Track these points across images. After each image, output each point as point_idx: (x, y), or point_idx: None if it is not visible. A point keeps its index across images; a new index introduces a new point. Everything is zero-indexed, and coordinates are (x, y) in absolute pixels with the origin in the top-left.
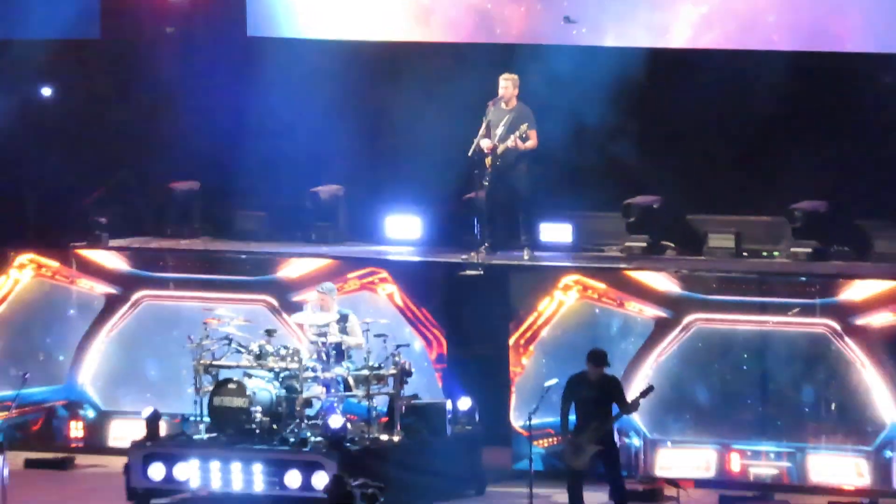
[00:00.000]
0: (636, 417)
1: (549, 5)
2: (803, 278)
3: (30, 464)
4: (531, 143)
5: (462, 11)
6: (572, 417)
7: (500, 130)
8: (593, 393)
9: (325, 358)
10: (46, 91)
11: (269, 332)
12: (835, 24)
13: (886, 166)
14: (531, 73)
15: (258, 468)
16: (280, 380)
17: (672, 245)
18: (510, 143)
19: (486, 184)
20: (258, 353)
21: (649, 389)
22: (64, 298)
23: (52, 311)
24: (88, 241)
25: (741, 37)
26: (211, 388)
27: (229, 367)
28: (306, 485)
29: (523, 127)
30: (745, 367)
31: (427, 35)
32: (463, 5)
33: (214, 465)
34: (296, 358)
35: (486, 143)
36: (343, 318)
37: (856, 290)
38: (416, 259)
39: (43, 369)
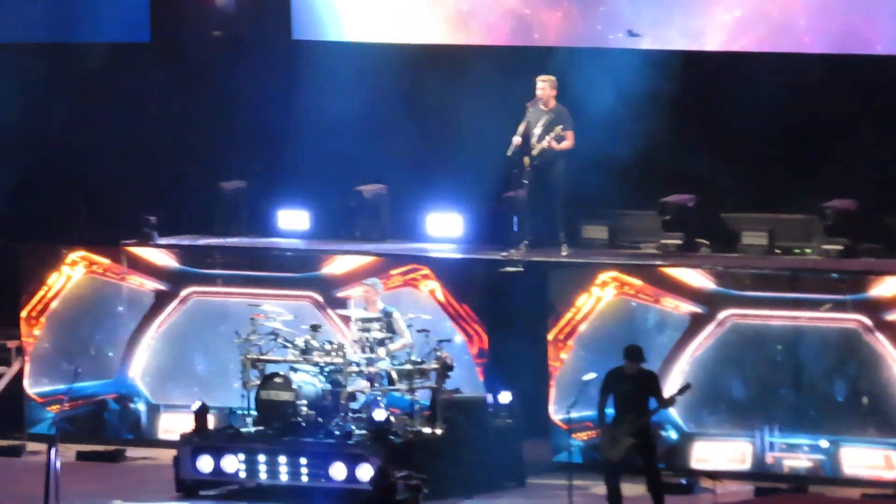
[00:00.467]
0: (673, 411)
1: (585, 10)
2: (835, 275)
3: (81, 456)
4: (567, 143)
5: (500, 16)
6: (610, 411)
7: (538, 130)
8: (631, 387)
9: (369, 353)
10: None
11: (315, 328)
12: (865, 27)
13: None
14: (569, 74)
15: (304, 461)
16: (325, 374)
17: (707, 242)
18: (545, 143)
19: (525, 182)
20: (304, 347)
21: (687, 387)
22: (114, 295)
23: (102, 308)
24: (138, 238)
25: (774, 40)
26: (258, 382)
27: (276, 362)
28: (351, 477)
29: (558, 128)
30: (778, 362)
31: (466, 39)
32: (501, 10)
33: (261, 458)
34: (340, 353)
35: (516, 140)
36: (387, 315)
37: (886, 286)
38: (458, 256)
39: (94, 364)
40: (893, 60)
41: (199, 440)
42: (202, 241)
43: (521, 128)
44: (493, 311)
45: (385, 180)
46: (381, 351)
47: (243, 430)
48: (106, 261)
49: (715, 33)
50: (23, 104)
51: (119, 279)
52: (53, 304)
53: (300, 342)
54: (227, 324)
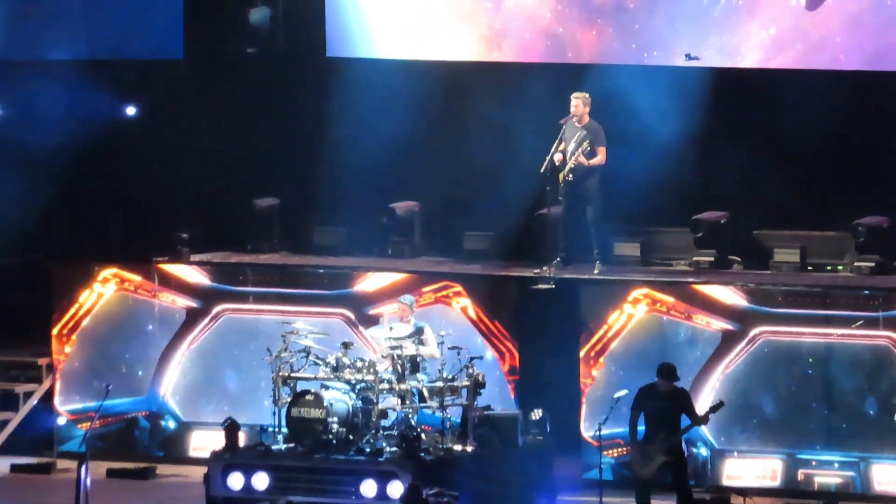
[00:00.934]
0: (704, 428)
1: (619, 28)
2: (867, 291)
3: (111, 473)
4: (598, 159)
5: (534, 35)
6: (641, 428)
7: (571, 147)
8: (663, 404)
9: (400, 370)
10: (131, 110)
11: (346, 345)
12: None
13: None
14: (602, 92)
15: (334, 478)
16: (356, 391)
17: (739, 259)
18: (573, 160)
19: (560, 199)
20: (335, 365)
21: (719, 405)
22: (146, 312)
23: (134, 325)
24: (170, 256)
25: (808, 57)
26: (289, 399)
27: (307, 379)
28: (382, 494)
29: (585, 144)
30: (810, 379)
31: (500, 57)
32: (535, 29)
33: (292, 476)
34: (371, 370)
35: (558, 158)
36: (419, 331)
37: None
38: (490, 273)
39: (125, 381)
40: None
41: (229, 457)
42: (234, 259)
43: (557, 144)
44: (525, 327)
45: (418, 197)
46: (412, 357)
47: (274, 447)
48: (138, 278)
49: (751, 51)
50: (59, 121)
51: (151, 296)
52: (85, 322)
53: (331, 359)
54: (259, 341)
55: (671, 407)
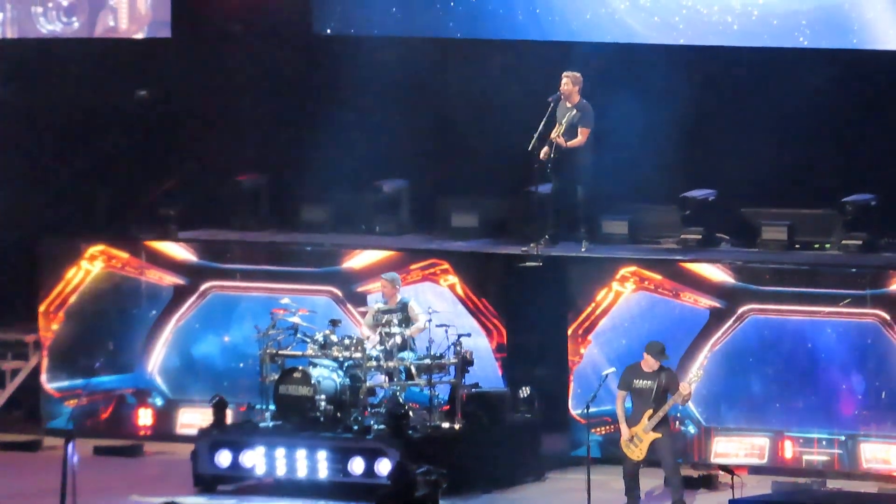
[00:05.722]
0: (691, 405)
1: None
2: (854, 269)
3: (99, 451)
4: (577, 140)
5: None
6: (628, 405)
7: (563, 126)
8: (649, 382)
9: (387, 347)
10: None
11: (334, 323)
12: (882, 23)
13: None
14: (591, 70)
15: (322, 455)
16: (344, 369)
17: (726, 237)
18: (554, 138)
19: (547, 177)
20: (323, 342)
21: (699, 375)
22: (133, 289)
23: (121, 302)
24: (157, 233)
25: (787, 27)
26: (277, 377)
27: (295, 357)
28: (370, 471)
29: (560, 128)
30: (797, 357)
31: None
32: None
33: (280, 453)
34: (359, 347)
35: (551, 137)
36: (403, 306)
37: None
38: (477, 251)
39: (112, 358)
40: None
41: (217, 435)
42: (221, 236)
43: (543, 123)
44: (513, 305)
45: (406, 174)
46: (399, 340)
47: (262, 424)
48: (125, 255)
49: (737, 29)
50: (42, 97)
51: (138, 274)
52: (72, 299)
53: (319, 337)
54: (247, 318)
55: (657, 386)
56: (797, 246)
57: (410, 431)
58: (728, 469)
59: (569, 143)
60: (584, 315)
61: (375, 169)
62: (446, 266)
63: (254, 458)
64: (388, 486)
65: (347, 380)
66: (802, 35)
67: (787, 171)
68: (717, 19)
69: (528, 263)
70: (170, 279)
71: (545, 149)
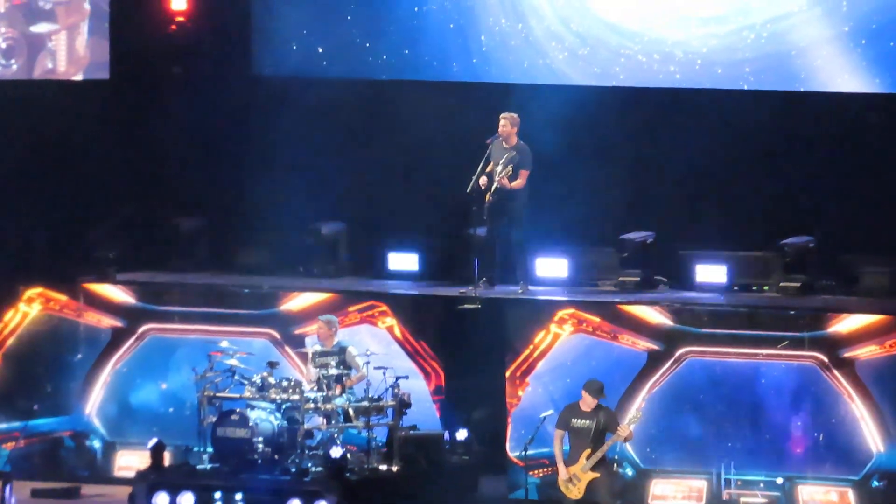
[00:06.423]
0: (629, 447)
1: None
2: (792, 312)
3: (36, 493)
4: (518, 182)
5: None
6: (566, 447)
7: (498, 168)
8: (587, 422)
9: (325, 390)
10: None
11: (272, 365)
12: (824, 65)
13: (872, 202)
14: (529, 111)
15: (260, 498)
16: (282, 411)
17: (665, 279)
18: (498, 180)
19: (485, 219)
20: (261, 384)
21: (637, 417)
22: (71, 332)
23: (59, 344)
24: (96, 275)
25: (731, 76)
26: (214, 419)
27: (232, 399)
28: None
29: (508, 168)
30: (735, 399)
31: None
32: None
33: (217, 495)
34: (297, 390)
35: (483, 180)
36: (341, 350)
37: (843, 324)
38: (416, 293)
39: (50, 401)
40: (851, 97)
41: (154, 477)
42: (160, 278)
43: (484, 165)
44: (451, 347)
45: (344, 217)
46: (338, 387)
47: (199, 467)
48: (63, 297)
49: (670, 71)
50: None
51: (76, 316)
52: (10, 342)
53: (257, 379)
54: (185, 361)
55: (595, 426)
56: (735, 288)
57: (348, 474)
58: None
59: (512, 185)
60: (522, 357)
61: (314, 211)
62: (384, 308)
63: (191, 501)
64: None
65: (285, 422)
66: (747, 83)
67: (726, 213)
68: (659, 68)
69: (466, 306)
70: (108, 321)
71: (490, 191)
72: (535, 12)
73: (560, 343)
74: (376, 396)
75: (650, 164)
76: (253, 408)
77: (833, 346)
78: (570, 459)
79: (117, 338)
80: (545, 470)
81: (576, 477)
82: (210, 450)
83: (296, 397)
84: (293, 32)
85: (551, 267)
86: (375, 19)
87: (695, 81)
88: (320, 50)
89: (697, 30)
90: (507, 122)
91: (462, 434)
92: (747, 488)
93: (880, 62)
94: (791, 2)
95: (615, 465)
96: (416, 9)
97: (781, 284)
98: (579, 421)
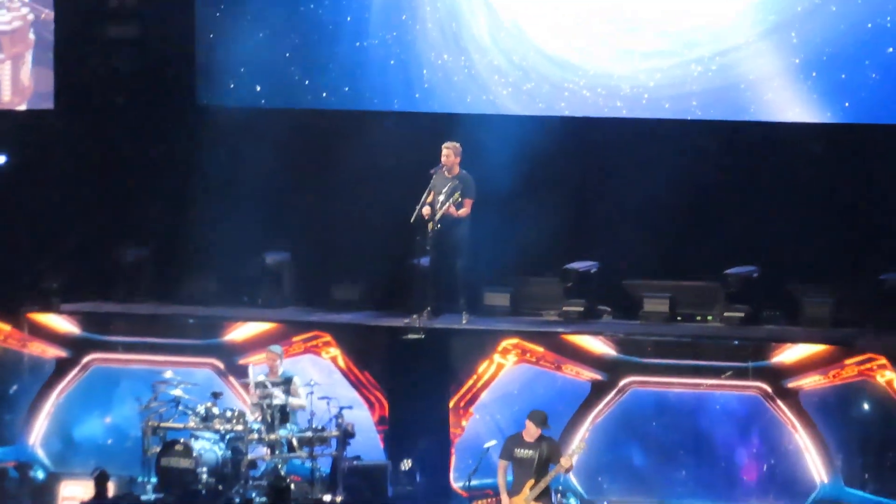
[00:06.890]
0: (573, 478)
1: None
2: (736, 342)
3: None
4: (464, 210)
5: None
6: (510, 478)
7: (441, 198)
8: (531, 452)
9: (269, 420)
10: (0, 158)
11: (216, 395)
12: (766, 95)
13: (816, 233)
14: (470, 141)
15: None
16: (226, 441)
17: (608, 309)
18: (443, 210)
19: (428, 249)
20: (205, 415)
21: (581, 448)
22: (15, 362)
23: (3, 375)
24: (41, 305)
25: (679, 110)
26: (158, 449)
27: (176, 429)
28: None
29: (456, 195)
30: (679, 429)
31: (370, 106)
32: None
33: None
34: (241, 420)
35: (426, 210)
36: (287, 381)
37: (787, 354)
38: (360, 323)
39: None
40: (793, 128)
41: None
42: (104, 308)
43: (427, 195)
44: (395, 377)
45: (288, 247)
46: (282, 417)
47: (143, 497)
48: (7, 327)
49: (618, 101)
50: None
51: (20, 346)
52: None
53: (201, 409)
54: (129, 391)
55: (538, 456)
56: (679, 318)
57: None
58: None
59: (458, 213)
60: (465, 387)
61: (258, 241)
62: (328, 338)
63: None
64: None
65: (229, 452)
66: (694, 117)
67: (669, 244)
68: (604, 103)
69: (409, 336)
70: (52, 352)
71: (433, 220)
72: (477, 46)
73: (504, 373)
74: (320, 427)
75: (594, 193)
76: (197, 438)
77: (777, 376)
78: (513, 490)
79: (61, 368)
80: (489, 500)
81: None
82: (154, 480)
83: (240, 428)
84: (233, 68)
85: (495, 297)
86: (315, 56)
87: (641, 116)
88: (258, 88)
89: (641, 63)
90: (449, 152)
91: (406, 464)
92: None
93: (832, 94)
94: (739, 34)
95: (559, 495)
96: (357, 44)
97: (725, 314)
98: (523, 451)
